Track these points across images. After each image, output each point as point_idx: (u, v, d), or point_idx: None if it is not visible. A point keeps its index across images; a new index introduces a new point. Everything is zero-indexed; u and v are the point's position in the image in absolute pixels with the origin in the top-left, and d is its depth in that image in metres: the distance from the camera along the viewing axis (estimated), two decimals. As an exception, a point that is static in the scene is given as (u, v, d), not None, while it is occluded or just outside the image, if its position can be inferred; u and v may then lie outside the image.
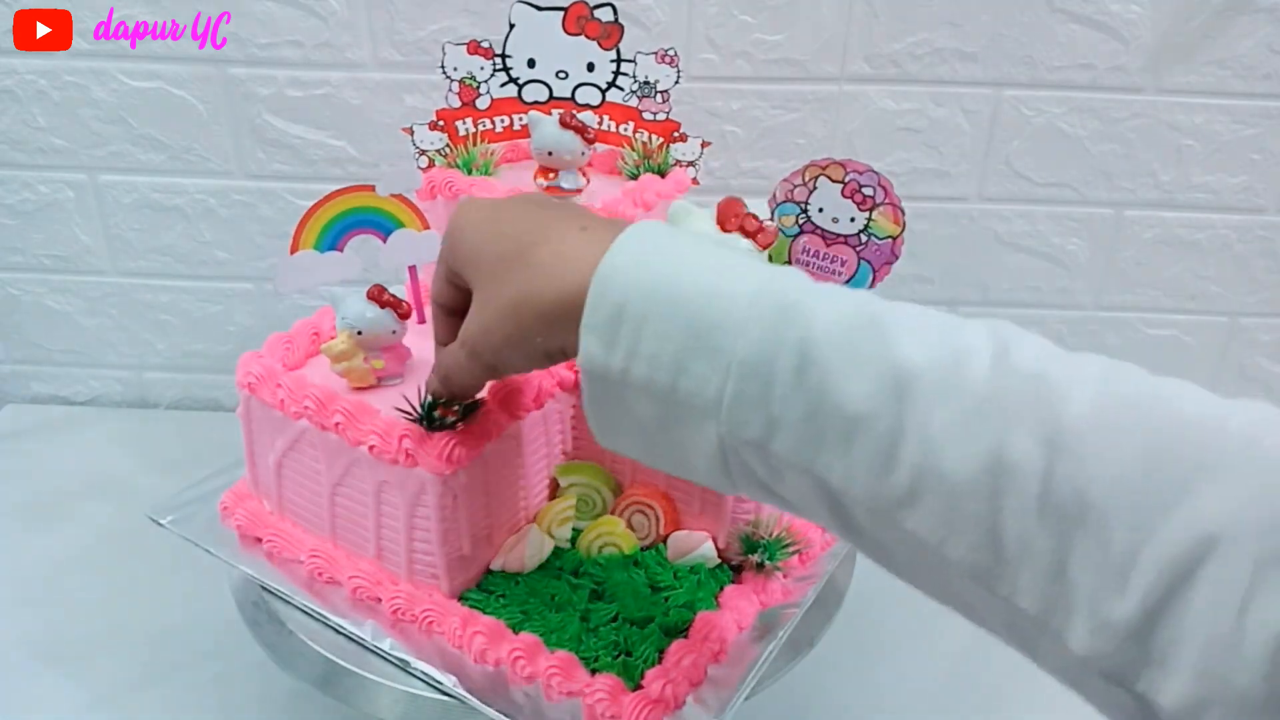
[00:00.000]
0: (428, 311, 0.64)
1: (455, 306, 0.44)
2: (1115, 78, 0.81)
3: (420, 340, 0.60)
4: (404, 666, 0.50)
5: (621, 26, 0.64)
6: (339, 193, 0.59)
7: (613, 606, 0.52)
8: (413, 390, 0.52)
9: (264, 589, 0.55)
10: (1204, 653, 0.26)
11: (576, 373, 0.57)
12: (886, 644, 0.72)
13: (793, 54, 0.80)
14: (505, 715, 0.47)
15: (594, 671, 0.49)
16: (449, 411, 0.50)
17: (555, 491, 0.59)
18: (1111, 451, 0.28)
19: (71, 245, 0.90)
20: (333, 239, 0.59)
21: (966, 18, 0.79)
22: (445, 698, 0.49)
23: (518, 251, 0.38)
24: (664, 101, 0.67)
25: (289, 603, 0.54)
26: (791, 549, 0.56)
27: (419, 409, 0.50)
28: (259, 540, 0.57)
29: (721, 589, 0.54)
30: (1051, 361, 0.30)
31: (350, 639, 0.52)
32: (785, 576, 0.56)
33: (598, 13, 0.64)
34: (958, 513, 0.29)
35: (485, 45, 0.65)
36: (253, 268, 0.90)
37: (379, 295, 0.54)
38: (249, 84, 0.82)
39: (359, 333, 0.54)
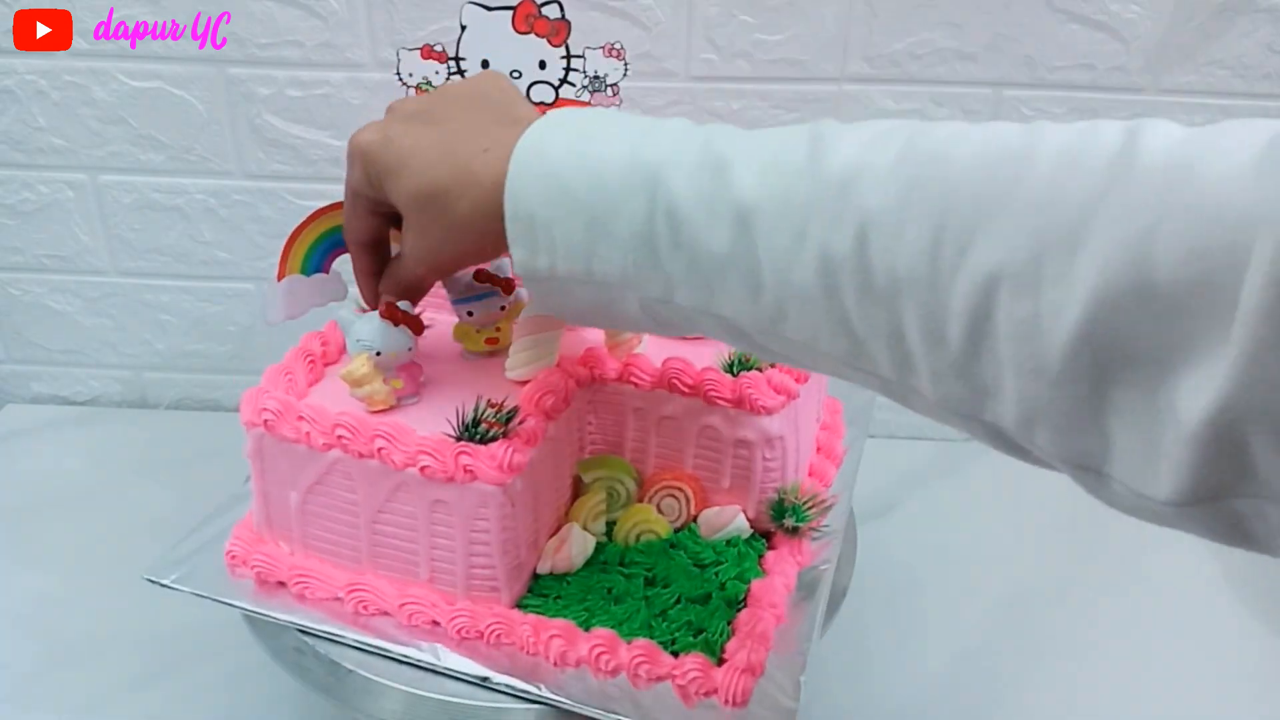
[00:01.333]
0: (426, 317, 0.64)
1: (379, 238, 0.50)
2: (1115, 78, 0.81)
3: (428, 360, 0.59)
4: (483, 684, 0.49)
5: (569, 22, 0.64)
6: (320, 213, 0.56)
7: (673, 589, 0.54)
8: (432, 407, 0.52)
9: (305, 633, 0.52)
10: (1018, 376, 0.31)
11: (591, 368, 0.58)
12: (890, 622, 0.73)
13: (793, 54, 0.81)
14: (610, 713, 0.47)
15: (675, 654, 0.50)
16: (493, 424, 0.50)
17: (578, 488, 0.60)
18: (908, 228, 0.32)
19: (71, 245, 0.90)
20: (318, 260, 0.57)
21: (966, 18, 0.79)
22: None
23: (442, 188, 0.43)
24: (614, 95, 0.67)
25: (339, 643, 0.52)
26: (815, 510, 0.58)
27: (463, 426, 0.50)
28: (282, 584, 0.54)
29: (761, 556, 0.57)
30: (861, 154, 0.34)
31: (418, 667, 0.50)
32: (814, 535, 0.58)
33: (545, 10, 0.64)
34: (814, 314, 0.35)
35: (439, 49, 0.64)
36: (253, 267, 0.90)
37: (392, 313, 0.52)
38: (249, 84, 0.82)
39: (378, 354, 0.52)
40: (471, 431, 0.50)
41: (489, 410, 0.51)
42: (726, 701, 0.47)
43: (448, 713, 0.49)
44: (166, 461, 0.88)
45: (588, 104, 0.66)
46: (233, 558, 0.56)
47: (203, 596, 0.54)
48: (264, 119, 0.83)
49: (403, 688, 0.49)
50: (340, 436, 0.51)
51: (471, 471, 0.49)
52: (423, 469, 0.49)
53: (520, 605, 0.53)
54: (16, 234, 0.89)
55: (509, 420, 0.51)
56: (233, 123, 0.84)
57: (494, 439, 0.50)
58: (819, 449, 0.66)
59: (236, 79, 0.82)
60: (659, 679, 0.48)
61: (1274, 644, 0.75)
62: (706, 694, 0.48)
